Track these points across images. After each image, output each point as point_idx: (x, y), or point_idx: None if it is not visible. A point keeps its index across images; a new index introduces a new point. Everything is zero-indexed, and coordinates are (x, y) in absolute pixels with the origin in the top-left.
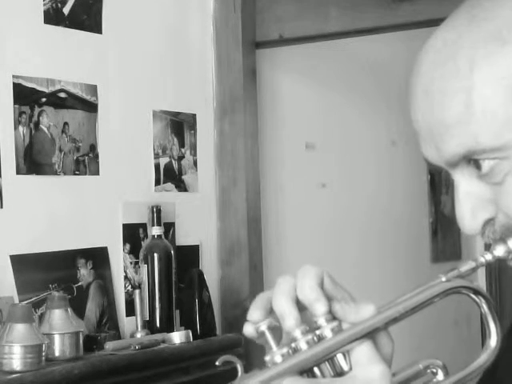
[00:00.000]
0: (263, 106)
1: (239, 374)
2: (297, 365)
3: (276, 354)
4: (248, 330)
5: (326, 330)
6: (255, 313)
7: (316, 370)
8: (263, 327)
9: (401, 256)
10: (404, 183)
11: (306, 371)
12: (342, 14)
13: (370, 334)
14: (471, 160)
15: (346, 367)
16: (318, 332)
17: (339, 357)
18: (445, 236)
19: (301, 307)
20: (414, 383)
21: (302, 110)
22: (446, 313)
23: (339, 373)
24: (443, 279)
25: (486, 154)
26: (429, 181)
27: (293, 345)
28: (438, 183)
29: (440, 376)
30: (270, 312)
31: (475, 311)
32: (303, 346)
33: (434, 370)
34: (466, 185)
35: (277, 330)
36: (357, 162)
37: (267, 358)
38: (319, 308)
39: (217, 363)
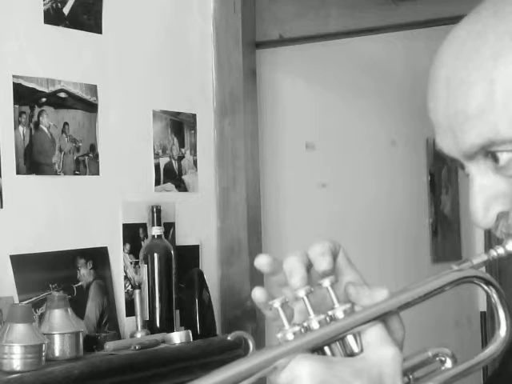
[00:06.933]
0: (263, 106)
1: (251, 350)
2: (308, 343)
3: (288, 332)
4: (257, 293)
5: (338, 311)
6: (263, 259)
7: (327, 349)
8: (277, 304)
9: (401, 256)
10: (404, 183)
11: (317, 350)
12: (342, 14)
13: (383, 317)
14: (489, 153)
15: (356, 349)
16: (330, 313)
17: (350, 338)
18: (445, 236)
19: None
20: (422, 370)
21: (301, 110)
22: (446, 314)
23: (349, 354)
24: (456, 268)
25: (505, 146)
26: (429, 181)
27: (305, 324)
28: (438, 183)
29: (448, 364)
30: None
31: (476, 312)
32: (315, 325)
33: (443, 358)
34: (481, 178)
35: (289, 309)
36: (357, 161)
37: (279, 336)
38: (322, 263)
39: (229, 338)
